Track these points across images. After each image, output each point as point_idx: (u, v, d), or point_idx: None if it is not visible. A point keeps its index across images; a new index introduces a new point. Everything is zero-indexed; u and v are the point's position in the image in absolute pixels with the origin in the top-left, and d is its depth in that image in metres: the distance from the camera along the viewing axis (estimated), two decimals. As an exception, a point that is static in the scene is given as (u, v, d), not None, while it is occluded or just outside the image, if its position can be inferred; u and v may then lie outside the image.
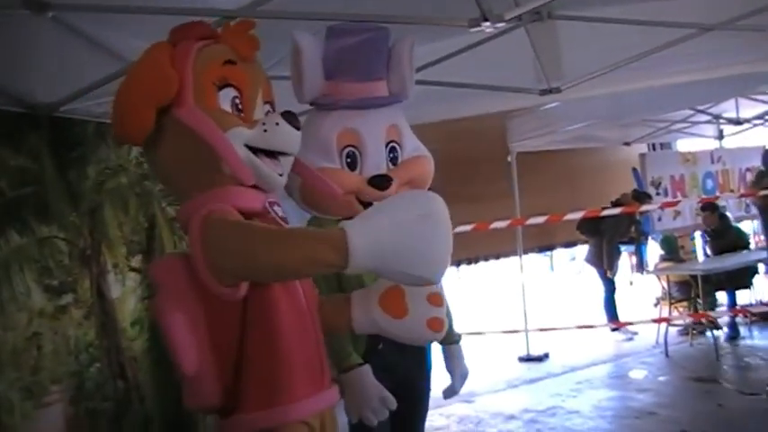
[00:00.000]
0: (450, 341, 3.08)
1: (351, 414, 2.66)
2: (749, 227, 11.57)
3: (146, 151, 2.21)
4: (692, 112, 9.72)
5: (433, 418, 6.00)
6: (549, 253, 14.69)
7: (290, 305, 2.10)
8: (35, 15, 2.80)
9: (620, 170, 10.48)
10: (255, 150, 2.06)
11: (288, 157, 2.17)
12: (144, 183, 4.08)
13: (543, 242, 10.10)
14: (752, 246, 10.21)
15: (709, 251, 9.69)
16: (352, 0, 3.05)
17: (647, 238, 10.60)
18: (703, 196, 10.37)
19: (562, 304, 11.71)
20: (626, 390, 6.93)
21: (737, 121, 10.54)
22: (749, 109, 10.05)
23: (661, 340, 8.27)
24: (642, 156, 10.59)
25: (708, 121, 10.58)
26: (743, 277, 8.49)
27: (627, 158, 10.65)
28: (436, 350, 3.04)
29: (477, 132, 8.18)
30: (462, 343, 3.18)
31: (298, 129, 2.12)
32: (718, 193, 10.93)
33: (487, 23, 2.91)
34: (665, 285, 8.63)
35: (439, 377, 3.10)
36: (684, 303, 8.50)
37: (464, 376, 3.13)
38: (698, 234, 10.74)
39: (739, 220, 10.96)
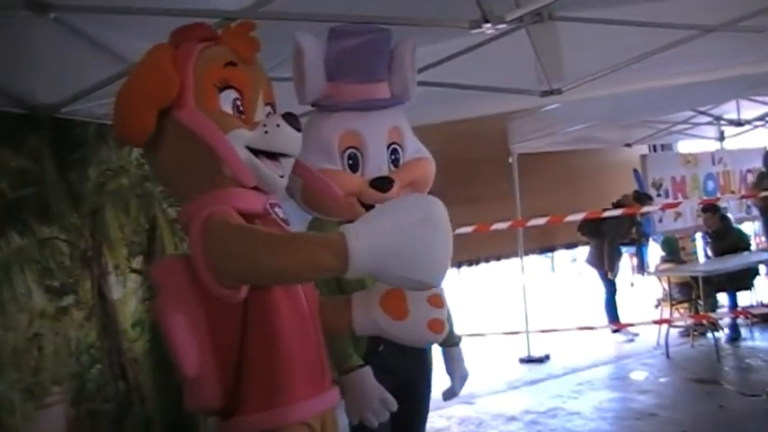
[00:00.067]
0: (451, 343, 3.07)
1: (351, 416, 2.66)
2: (750, 228, 11.57)
3: (147, 153, 2.22)
4: (693, 113, 9.71)
5: (434, 420, 5.99)
6: (549, 254, 14.70)
7: (291, 307, 2.10)
8: (37, 16, 2.80)
9: (620, 171, 10.48)
10: (256, 152, 2.07)
11: (289, 158, 2.18)
12: (145, 184, 4.08)
13: (544, 243, 10.11)
14: (753, 247, 10.22)
15: (710, 252, 9.69)
16: (353, 1, 3.05)
17: (647, 240, 10.60)
18: (704, 198, 10.37)
19: (563, 306, 11.70)
20: (627, 391, 6.93)
21: (738, 123, 10.54)
22: (750, 110, 10.05)
23: (662, 342, 8.27)
24: (643, 157, 10.60)
25: (709, 123, 10.58)
26: (744, 279, 8.49)
27: (628, 160, 10.65)
28: (436, 352, 3.05)
29: (478, 134, 8.18)
30: (462, 345, 3.18)
31: (299, 130, 2.12)
32: (719, 195, 10.93)
33: (488, 25, 2.91)
34: (666, 287, 8.63)
35: (439, 379, 3.10)
36: (685, 305, 8.49)
37: (464, 378, 3.13)
38: (699, 235, 10.74)
39: (740, 221, 10.96)
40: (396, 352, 2.58)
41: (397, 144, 2.83)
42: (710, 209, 9.23)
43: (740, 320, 8.68)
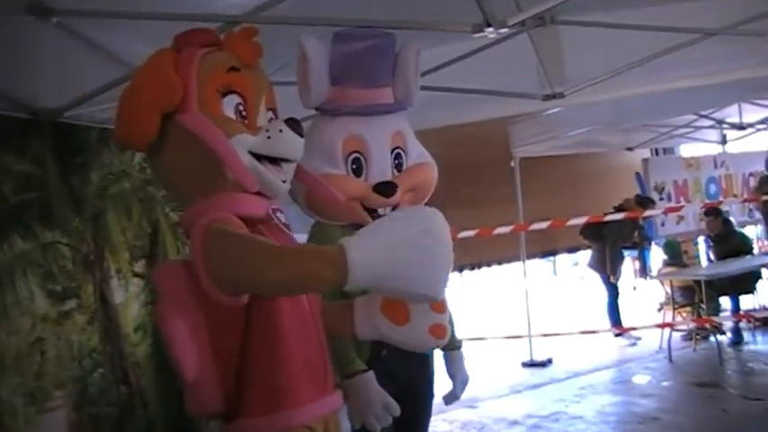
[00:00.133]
0: (452, 347, 3.07)
1: (354, 420, 2.66)
2: (753, 232, 11.55)
3: (149, 157, 2.22)
4: (695, 117, 9.69)
5: (437, 424, 5.99)
6: (552, 258, 14.68)
7: (294, 310, 2.10)
8: (39, 21, 2.80)
9: (622, 175, 10.47)
10: (259, 157, 2.07)
11: (291, 163, 2.18)
12: (147, 188, 4.08)
13: (546, 247, 10.09)
14: (755, 251, 10.20)
15: (712, 256, 9.68)
16: (355, 5, 3.05)
17: (650, 244, 10.58)
18: (706, 201, 10.37)
19: (565, 309, 11.69)
20: (629, 395, 6.92)
21: (741, 126, 10.51)
22: (752, 114, 10.03)
23: (664, 345, 8.25)
24: (645, 161, 10.59)
25: (711, 126, 10.55)
26: (746, 282, 8.48)
27: (630, 164, 10.64)
28: (438, 356, 3.04)
29: (480, 138, 8.18)
30: (464, 349, 3.17)
31: (301, 135, 2.12)
32: (721, 198, 10.92)
33: (491, 29, 2.90)
34: (669, 290, 8.62)
35: (441, 383, 3.10)
36: (688, 308, 8.48)
37: (465, 382, 3.13)
38: (701, 239, 10.73)
39: (743, 225, 10.95)
40: (398, 356, 2.57)
41: (401, 149, 2.83)
42: (713, 212, 9.23)
43: (743, 324, 8.66)
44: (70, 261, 3.62)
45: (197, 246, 1.94)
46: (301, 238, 2.56)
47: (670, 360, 8.02)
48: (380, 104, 2.79)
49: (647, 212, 8.87)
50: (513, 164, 8.61)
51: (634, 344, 9.04)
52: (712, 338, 8.12)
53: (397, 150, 2.82)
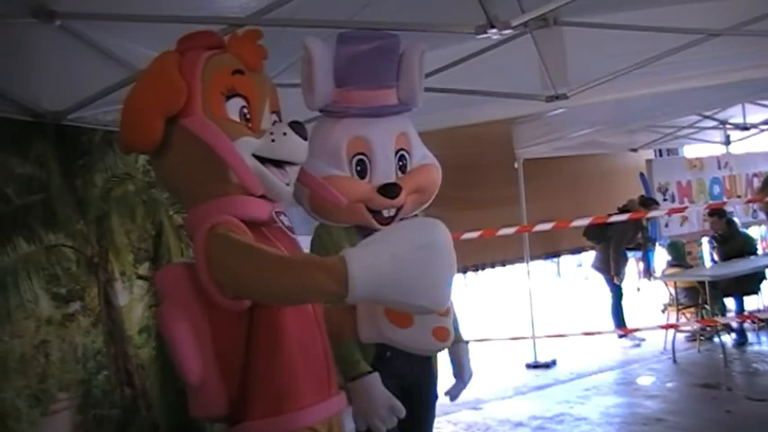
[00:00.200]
0: (457, 340, 3.06)
1: (359, 422, 2.66)
2: (757, 232, 11.54)
3: (153, 160, 2.22)
4: (698, 117, 9.69)
5: (441, 426, 5.99)
6: (555, 259, 14.67)
7: (297, 313, 2.10)
8: (42, 24, 2.81)
9: (626, 176, 10.47)
10: (263, 160, 2.07)
11: (294, 166, 2.18)
12: (151, 190, 4.08)
13: (550, 248, 10.10)
14: (759, 251, 10.19)
15: (716, 257, 9.66)
16: (358, 7, 3.05)
17: (654, 244, 10.57)
18: (710, 202, 10.36)
19: (569, 311, 11.69)
20: (634, 396, 6.91)
21: (744, 127, 10.51)
22: (756, 114, 10.03)
23: (668, 346, 8.25)
24: (649, 162, 10.60)
25: (714, 127, 10.55)
26: (750, 283, 8.46)
27: (633, 164, 10.64)
28: (442, 355, 3.04)
29: (484, 139, 8.18)
30: (469, 347, 3.17)
31: (305, 139, 2.12)
32: (725, 199, 10.91)
33: (494, 30, 2.91)
34: (673, 291, 8.61)
35: (444, 383, 3.10)
36: (692, 309, 8.47)
37: (469, 376, 3.11)
38: (705, 240, 10.72)
39: (747, 225, 10.94)
40: (403, 358, 2.56)
41: (405, 150, 2.83)
42: (717, 213, 9.22)
43: (747, 325, 8.64)
44: (74, 263, 3.62)
45: (200, 249, 1.94)
46: (305, 240, 2.56)
47: (674, 361, 8.01)
48: (385, 106, 2.79)
49: (651, 213, 8.86)
50: (516, 165, 8.59)
51: (638, 345, 9.03)
52: (716, 339, 8.11)
53: (401, 152, 2.81)
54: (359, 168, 2.74)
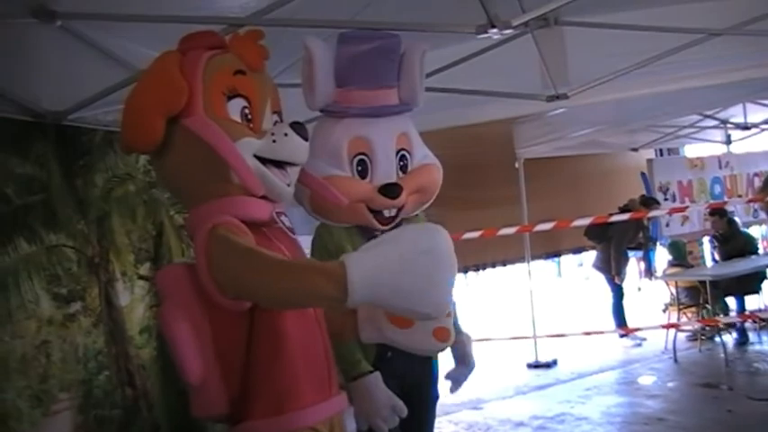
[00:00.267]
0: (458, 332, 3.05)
1: (361, 421, 2.66)
2: (757, 232, 11.54)
3: (154, 160, 2.22)
4: (699, 117, 9.68)
5: (442, 425, 5.99)
6: (556, 259, 14.67)
7: (298, 313, 2.10)
8: (43, 24, 2.81)
9: (627, 176, 10.47)
10: (264, 161, 2.07)
11: (295, 167, 2.18)
12: (152, 190, 4.08)
13: (551, 248, 10.11)
14: (760, 251, 10.18)
15: (717, 256, 9.66)
16: (358, 7, 3.05)
17: (655, 244, 10.57)
18: (711, 201, 10.35)
19: (570, 310, 11.68)
20: (635, 396, 6.91)
21: (745, 126, 10.50)
22: (757, 114, 10.02)
23: (670, 346, 8.25)
24: (650, 161, 10.60)
25: (715, 126, 10.55)
26: (751, 282, 8.46)
27: (634, 164, 10.64)
28: (442, 356, 3.03)
29: (485, 139, 8.18)
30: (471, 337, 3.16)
31: (306, 139, 2.13)
32: (726, 198, 10.91)
33: (495, 30, 2.91)
34: (674, 291, 8.61)
35: (445, 384, 3.10)
36: (693, 309, 8.47)
37: (472, 363, 3.10)
38: (706, 239, 10.71)
39: (747, 225, 10.93)
40: (403, 358, 2.56)
41: (406, 150, 2.83)
42: (718, 212, 9.22)
43: (748, 324, 8.64)
44: (75, 264, 3.62)
45: (201, 249, 1.94)
46: (306, 240, 2.56)
47: (675, 361, 8.01)
48: (386, 106, 2.79)
49: (652, 213, 8.86)
50: (517, 165, 8.59)
51: (639, 344, 9.03)
52: (718, 339, 8.11)
53: (402, 152, 2.81)
54: (360, 168, 2.74)
